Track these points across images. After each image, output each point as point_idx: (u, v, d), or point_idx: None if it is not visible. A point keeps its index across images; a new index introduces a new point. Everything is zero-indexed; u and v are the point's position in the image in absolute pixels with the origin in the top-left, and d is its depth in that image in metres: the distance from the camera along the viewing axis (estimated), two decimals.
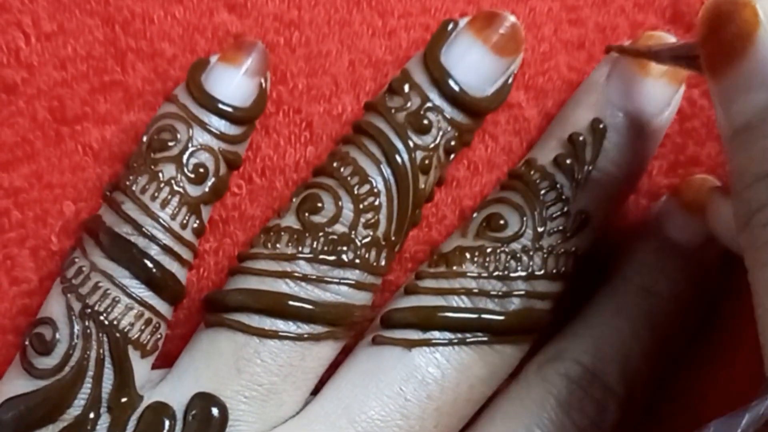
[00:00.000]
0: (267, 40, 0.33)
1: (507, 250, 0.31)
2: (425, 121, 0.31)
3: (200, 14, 0.33)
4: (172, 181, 0.30)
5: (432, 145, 0.31)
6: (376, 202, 0.30)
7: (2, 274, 0.32)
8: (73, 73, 0.33)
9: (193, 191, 0.30)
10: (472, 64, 0.31)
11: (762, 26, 0.24)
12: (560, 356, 0.32)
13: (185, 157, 0.30)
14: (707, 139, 0.34)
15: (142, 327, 0.30)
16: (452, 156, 0.32)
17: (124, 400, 0.29)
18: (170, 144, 0.30)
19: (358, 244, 0.30)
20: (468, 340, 0.30)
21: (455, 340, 0.30)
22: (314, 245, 0.30)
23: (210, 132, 0.31)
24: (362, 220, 0.30)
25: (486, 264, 0.31)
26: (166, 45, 0.33)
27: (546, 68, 0.34)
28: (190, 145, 0.30)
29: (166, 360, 0.31)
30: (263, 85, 0.32)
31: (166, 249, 0.30)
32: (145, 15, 0.33)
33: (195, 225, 0.31)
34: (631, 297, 0.32)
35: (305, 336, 0.30)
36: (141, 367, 0.30)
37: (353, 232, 0.30)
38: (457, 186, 0.34)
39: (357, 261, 0.30)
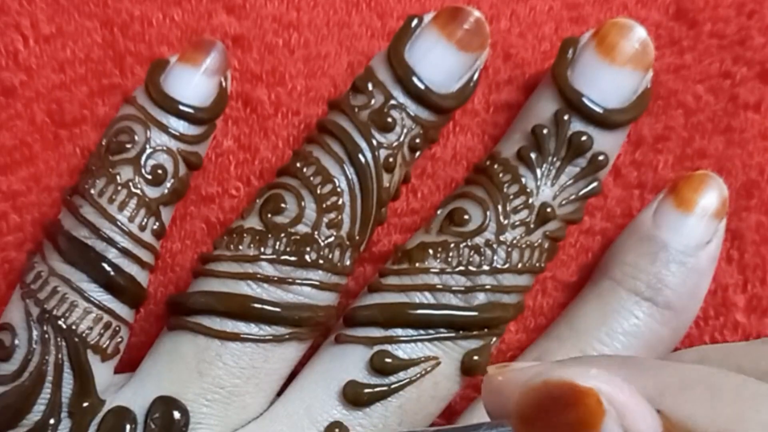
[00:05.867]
0: (266, 41, 0.33)
1: (470, 244, 0.30)
2: (389, 119, 0.30)
3: (198, 17, 0.33)
4: (130, 183, 0.30)
5: (396, 143, 0.31)
6: (339, 202, 0.30)
7: (0, 278, 0.32)
8: (72, 76, 0.33)
9: (152, 193, 0.30)
10: (436, 60, 0.31)
11: (608, 415, 0.19)
12: (543, 360, 0.31)
13: (143, 158, 0.30)
14: (714, 132, 0.34)
15: (102, 331, 0.30)
16: (418, 153, 0.32)
17: (85, 404, 0.29)
18: (128, 146, 0.30)
19: (321, 244, 0.30)
20: (431, 336, 0.30)
21: (418, 337, 0.30)
22: (276, 246, 0.30)
23: (168, 133, 0.30)
24: (325, 219, 0.30)
25: (449, 259, 0.30)
26: (164, 48, 0.33)
27: (547, 67, 0.33)
28: (147, 146, 0.30)
29: (134, 367, 0.31)
30: (223, 84, 0.32)
31: (125, 252, 0.30)
32: (143, 17, 0.33)
33: (155, 227, 0.30)
34: (620, 302, 0.31)
35: (268, 338, 0.29)
36: (102, 372, 0.30)
37: (316, 232, 0.30)
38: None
39: (320, 261, 0.30)
